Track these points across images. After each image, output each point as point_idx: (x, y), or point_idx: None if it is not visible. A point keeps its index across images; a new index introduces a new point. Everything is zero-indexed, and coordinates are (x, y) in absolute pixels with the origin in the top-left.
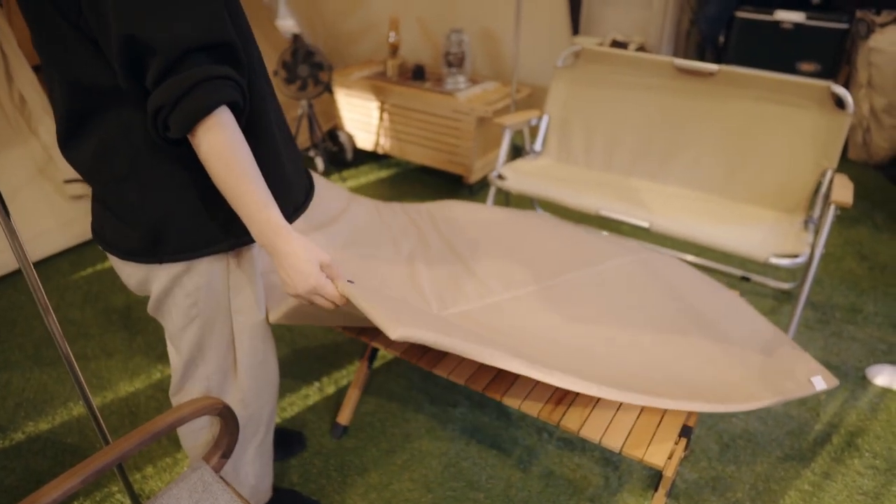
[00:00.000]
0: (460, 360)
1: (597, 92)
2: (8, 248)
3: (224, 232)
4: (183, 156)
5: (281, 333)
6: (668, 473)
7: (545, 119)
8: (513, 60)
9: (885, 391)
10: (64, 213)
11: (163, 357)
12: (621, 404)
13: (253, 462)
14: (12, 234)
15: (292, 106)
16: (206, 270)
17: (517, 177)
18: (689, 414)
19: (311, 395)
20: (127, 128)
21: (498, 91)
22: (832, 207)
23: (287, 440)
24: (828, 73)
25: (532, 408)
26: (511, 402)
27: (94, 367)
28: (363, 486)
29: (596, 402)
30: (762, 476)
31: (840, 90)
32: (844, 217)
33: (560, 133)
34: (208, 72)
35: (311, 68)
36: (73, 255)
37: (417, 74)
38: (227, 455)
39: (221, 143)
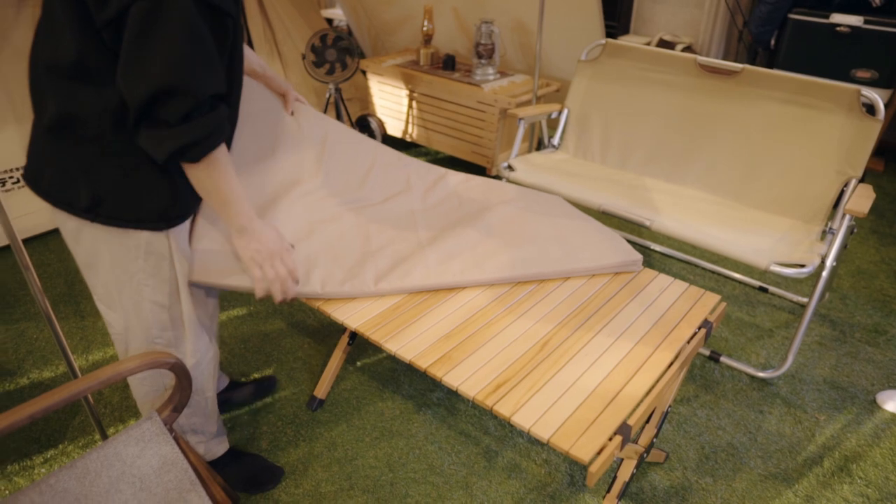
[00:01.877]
0: (411, 339)
1: (618, 88)
2: (37, 211)
3: (158, 217)
4: (139, 148)
5: (279, 307)
6: (623, 476)
7: (565, 113)
8: (541, 53)
9: (895, 418)
10: None
11: None
12: (560, 396)
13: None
14: None
15: (321, 89)
16: (133, 242)
17: (527, 169)
18: (631, 412)
19: (297, 368)
20: (103, 107)
21: (526, 84)
22: (846, 217)
23: (262, 383)
24: (886, 81)
25: (470, 389)
26: (451, 380)
27: (102, 325)
28: (328, 459)
29: (535, 391)
30: (738, 492)
31: (871, 95)
32: (887, 234)
33: (578, 128)
34: (224, 115)
35: (339, 53)
36: None
37: (448, 64)
38: (178, 409)
39: (223, 167)
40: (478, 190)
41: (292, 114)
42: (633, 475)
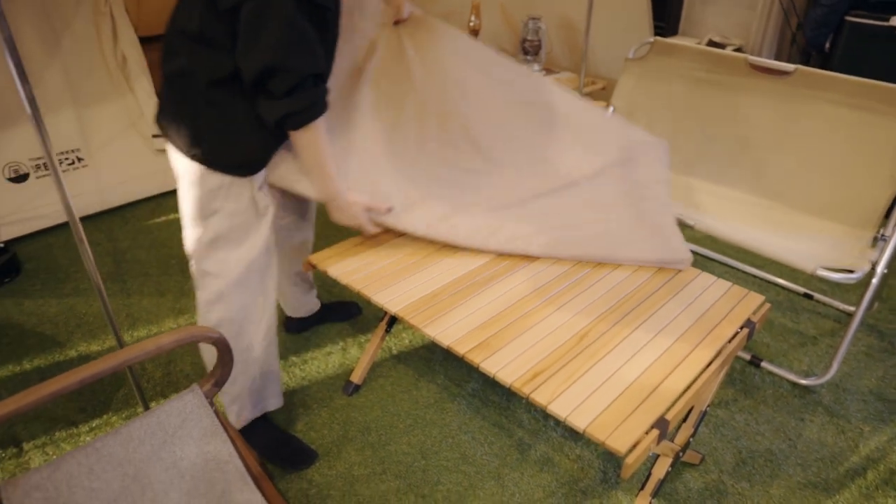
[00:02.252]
0: (449, 325)
1: (665, 87)
2: (91, 192)
3: (240, 165)
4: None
5: (319, 293)
6: (658, 474)
7: (610, 111)
8: (588, 51)
9: None
10: (149, 164)
11: None
12: (598, 388)
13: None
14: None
15: None
16: (217, 183)
17: None
18: (669, 407)
19: (334, 352)
20: (214, 68)
21: (571, 81)
22: None
23: (345, 307)
24: None
25: (508, 377)
26: (488, 367)
27: (147, 303)
28: (362, 443)
29: (573, 381)
30: (775, 499)
31: None
32: None
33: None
34: (324, 93)
35: None
36: (152, 204)
37: None
38: (219, 384)
39: (318, 139)
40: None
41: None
42: (667, 474)
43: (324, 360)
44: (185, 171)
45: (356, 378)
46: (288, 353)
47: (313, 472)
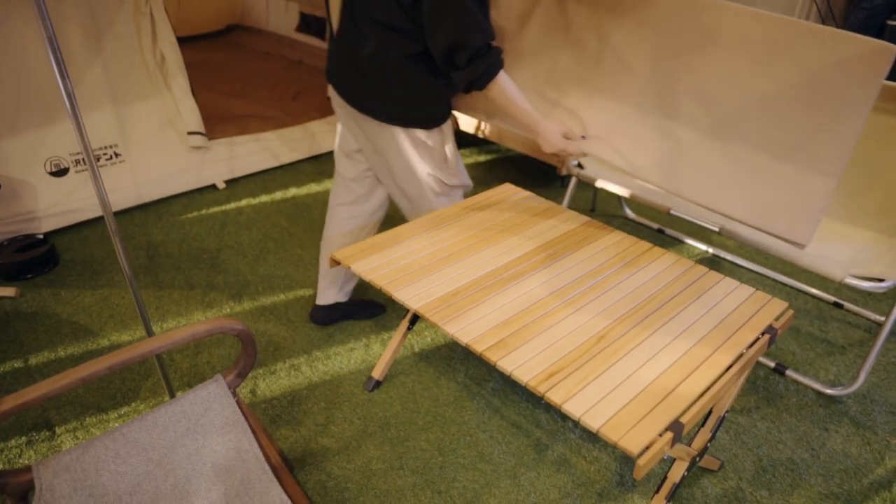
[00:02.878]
0: (468, 323)
1: None
2: (127, 187)
3: (427, 120)
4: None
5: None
6: (673, 478)
7: None
8: None
9: None
10: (184, 160)
11: (235, 296)
12: (614, 389)
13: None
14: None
15: None
16: (413, 137)
17: (596, 166)
18: (685, 410)
19: (357, 349)
20: (402, 49)
21: None
22: None
23: (369, 305)
24: None
25: (524, 375)
26: (505, 365)
27: (177, 296)
28: (381, 438)
29: (588, 382)
30: None
31: None
32: None
33: None
34: (496, 55)
35: None
36: (185, 199)
37: None
38: (242, 375)
39: (504, 89)
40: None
41: None
42: (683, 478)
43: (346, 356)
44: (393, 140)
45: (377, 374)
46: (312, 347)
47: (332, 464)
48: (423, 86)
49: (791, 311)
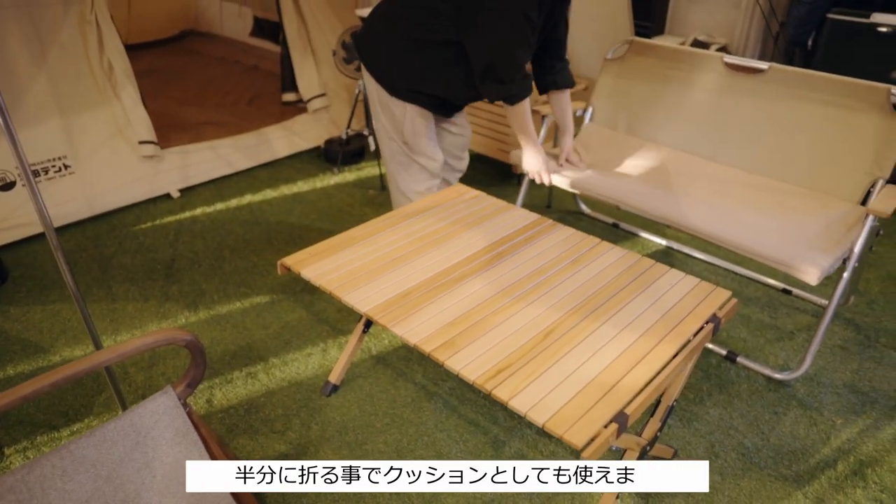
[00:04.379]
0: (418, 324)
1: (644, 86)
2: (77, 199)
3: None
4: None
5: (300, 297)
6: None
7: (589, 111)
8: (570, 52)
9: None
10: (136, 170)
11: (190, 306)
12: (560, 384)
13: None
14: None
15: (352, 85)
16: (418, 111)
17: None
18: (629, 402)
19: (314, 354)
20: (429, 37)
21: None
22: (870, 218)
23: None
24: None
25: (471, 373)
26: (452, 364)
27: (131, 309)
28: (339, 443)
29: (535, 377)
30: (745, 491)
31: None
32: None
33: (602, 125)
34: (530, 80)
35: None
36: (138, 209)
37: None
38: (192, 385)
39: (521, 113)
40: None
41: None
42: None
43: (304, 362)
44: (392, 108)
45: (334, 378)
46: (268, 354)
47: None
48: (406, 57)
49: (735, 300)
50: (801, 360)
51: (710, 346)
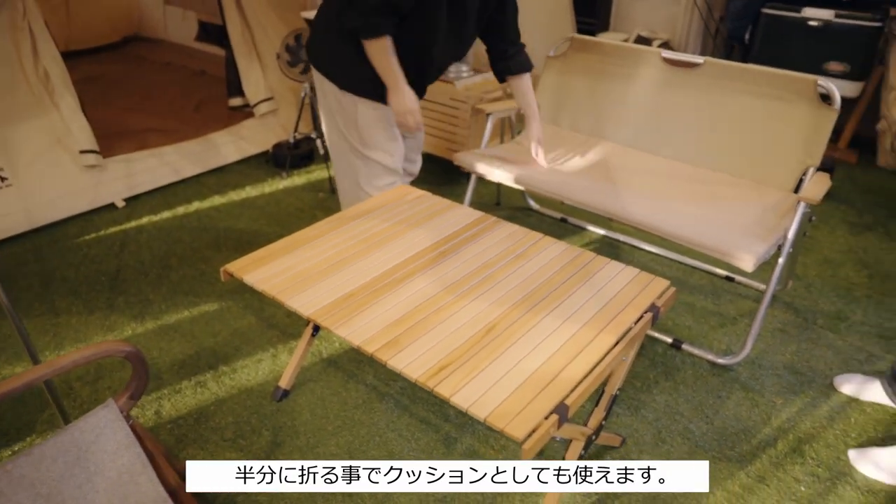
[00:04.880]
0: (361, 325)
1: (585, 82)
2: (16, 212)
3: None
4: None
5: (250, 303)
6: (571, 458)
7: None
8: None
9: (850, 400)
10: (78, 181)
11: (137, 317)
12: (501, 378)
13: None
14: None
15: (298, 88)
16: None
17: (487, 162)
18: (569, 393)
19: (264, 360)
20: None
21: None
22: (801, 205)
23: None
24: (858, 73)
25: (414, 371)
26: (395, 364)
27: (75, 322)
28: (290, 447)
29: (477, 373)
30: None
31: (827, 85)
32: (856, 224)
33: (546, 122)
34: (373, 23)
35: None
36: (81, 221)
37: None
38: (135, 397)
39: (376, 52)
40: None
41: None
42: (581, 457)
43: (254, 368)
44: (318, 84)
45: (284, 383)
46: (218, 362)
47: None
48: (342, 48)
49: (673, 289)
50: (743, 344)
51: (656, 334)
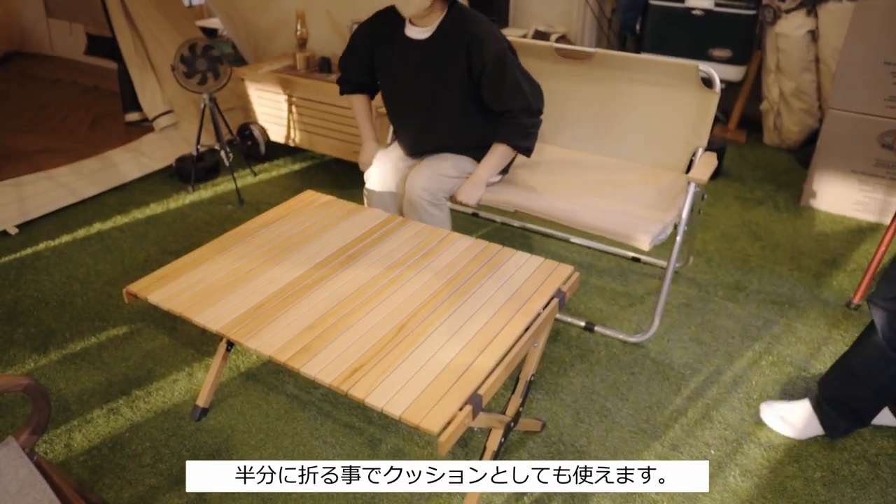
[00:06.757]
0: (272, 335)
1: None
2: None
3: None
4: None
5: (162, 323)
6: (492, 446)
7: None
8: None
9: (752, 364)
10: None
11: (39, 348)
12: (414, 375)
13: None
14: None
15: (198, 99)
16: None
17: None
18: (482, 382)
19: (180, 379)
20: None
21: None
22: (691, 185)
23: None
24: (740, 58)
25: (327, 377)
26: (308, 370)
27: None
28: None
29: (390, 372)
30: (610, 449)
31: (708, 70)
32: (748, 199)
33: None
34: (340, 80)
35: (210, 62)
36: None
37: (324, 67)
38: (37, 432)
39: (352, 108)
40: None
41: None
42: (502, 444)
43: (169, 389)
44: None
45: (202, 402)
46: (131, 387)
47: (162, 501)
48: None
49: (577, 274)
50: (651, 322)
51: (570, 318)
